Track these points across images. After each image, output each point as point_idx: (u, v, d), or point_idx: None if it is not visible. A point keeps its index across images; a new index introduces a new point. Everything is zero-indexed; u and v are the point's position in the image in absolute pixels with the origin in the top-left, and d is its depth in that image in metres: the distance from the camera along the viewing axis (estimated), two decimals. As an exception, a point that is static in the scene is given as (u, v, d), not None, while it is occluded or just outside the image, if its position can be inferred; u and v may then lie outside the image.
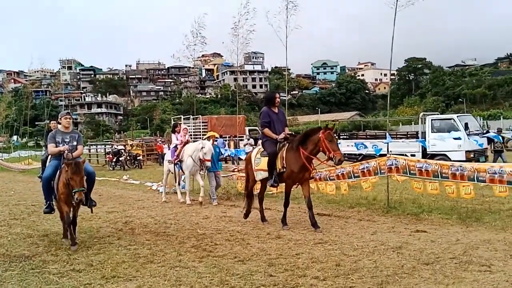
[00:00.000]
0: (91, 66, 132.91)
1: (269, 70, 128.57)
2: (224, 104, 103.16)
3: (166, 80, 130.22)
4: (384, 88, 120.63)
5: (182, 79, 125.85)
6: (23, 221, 9.50)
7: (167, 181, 12.71)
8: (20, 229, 8.56)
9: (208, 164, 11.11)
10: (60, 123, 7.62)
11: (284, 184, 8.33)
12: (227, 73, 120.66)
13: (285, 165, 7.88)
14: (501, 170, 7.65)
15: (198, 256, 6.21)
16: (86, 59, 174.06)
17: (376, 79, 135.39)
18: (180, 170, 11.98)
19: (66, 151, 7.08)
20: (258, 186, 9.24)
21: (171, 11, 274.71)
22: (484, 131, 18.91)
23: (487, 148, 16.88)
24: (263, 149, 8.44)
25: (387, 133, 12.28)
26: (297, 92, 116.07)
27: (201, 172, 11.80)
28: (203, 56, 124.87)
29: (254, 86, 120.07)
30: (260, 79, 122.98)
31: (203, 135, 24.84)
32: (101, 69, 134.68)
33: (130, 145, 31.35)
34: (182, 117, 30.87)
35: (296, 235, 7.31)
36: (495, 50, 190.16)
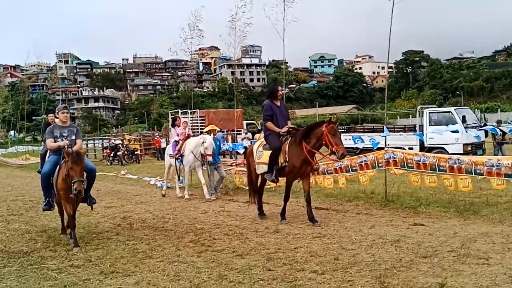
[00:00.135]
0: (88, 60, 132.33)
1: (267, 63, 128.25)
2: (222, 98, 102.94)
3: (163, 74, 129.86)
4: (382, 81, 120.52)
5: (179, 73, 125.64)
6: (21, 217, 9.49)
7: (169, 175, 12.62)
8: (18, 225, 8.55)
9: (210, 159, 11.09)
10: (57, 118, 7.51)
11: (284, 178, 8.26)
12: (224, 67, 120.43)
13: (287, 159, 7.79)
14: (499, 163, 7.68)
15: (196, 250, 6.22)
16: (82, 53, 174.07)
17: (373, 72, 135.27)
18: (182, 165, 11.88)
19: (65, 146, 6.95)
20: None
21: (167, 4, 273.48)
22: (482, 124, 18.93)
23: (484, 141, 16.91)
24: (265, 142, 8.32)
25: (384, 127, 12.28)
26: (294, 85, 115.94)
27: (203, 167, 11.69)
28: (200, 49, 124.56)
29: (251, 80, 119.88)
30: (258, 73, 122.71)
31: (200, 129, 24.85)
32: (98, 63, 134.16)
33: (128, 139, 31.30)
34: (180, 111, 30.81)
35: (294, 229, 7.32)
36: (493, 42, 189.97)
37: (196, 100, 78.21)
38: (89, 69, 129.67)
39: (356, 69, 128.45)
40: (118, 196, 12.44)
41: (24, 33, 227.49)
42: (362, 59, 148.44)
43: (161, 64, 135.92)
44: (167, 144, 29.78)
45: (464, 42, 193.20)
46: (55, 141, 7.11)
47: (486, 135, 17.04)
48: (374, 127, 22.68)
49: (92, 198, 7.27)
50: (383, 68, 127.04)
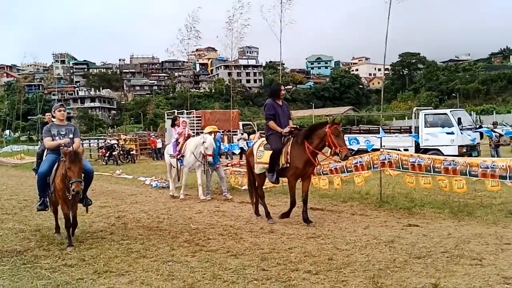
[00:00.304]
0: (85, 60, 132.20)
1: (264, 64, 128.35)
2: (218, 99, 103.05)
3: (160, 75, 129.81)
4: (378, 83, 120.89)
5: (176, 74, 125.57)
6: (15, 216, 9.45)
7: (172, 174, 12.24)
8: (12, 224, 8.51)
9: (210, 159, 11.03)
10: (54, 116, 7.43)
11: (284, 178, 8.15)
12: (221, 68, 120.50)
13: (288, 160, 7.68)
14: (493, 165, 7.69)
15: (191, 250, 6.20)
16: (79, 53, 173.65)
17: (370, 74, 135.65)
18: (182, 165, 11.64)
19: (65, 144, 6.82)
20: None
21: (165, 5, 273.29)
22: (477, 126, 18.99)
23: (479, 143, 16.96)
24: (266, 142, 8.20)
25: (380, 128, 12.30)
26: (291, 87, 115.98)
27: (202, 168, 11.51)
28: (197, 50, 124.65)
29: (248, 81, 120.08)
30: (255, 74, 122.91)
31: (197, 129, 24.81)
32: (95, 63, 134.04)
33: (124, 139, 31.27)
34: (176, 111, 30.76)
35: (289, 230, 7.32)
36: (489, 45, 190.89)
37: (192, 100, 78.05)
38: (86, 69, 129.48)
39: (352, 70, 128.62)
40: (112, 195, 12.40)
41: (20, 33, 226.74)
42: (359, 60, 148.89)
43: (158, 64, 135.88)
44: (162, 144, 29.99)
45: (461, 44, 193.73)
46: (53, 140, 7.01)
47: (482, 137, 17.09)
48: (370, 128, 22.72)
49: (88, 200, 7.14)
50: (379, 70, 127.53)
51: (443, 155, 14.20)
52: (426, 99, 79.44)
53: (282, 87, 8.40)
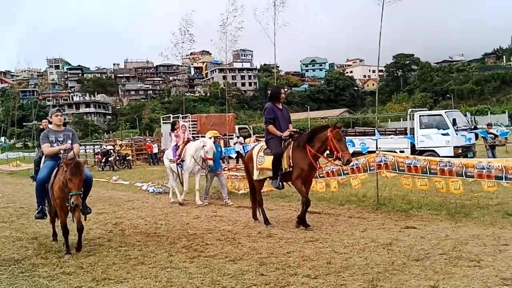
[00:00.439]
0: (79, 65, 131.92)
1: (258, 67, 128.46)
2: (214, 102, 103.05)
3: (155, 79, 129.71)
4: (373, 84, 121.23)
5: (171, 78, 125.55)
6: (12, 224, 9.40)
7: (173, 180, 12.03)
8: (9, 232, 8.46)
9: (211, 162, 10.88)
10: (51, 122, 7.31)
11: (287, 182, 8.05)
12: (216, 71, 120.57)
13: (291, 165, 7.59)
14: (489, 165, 7.74)
15: (189, 256, 6.19)
16: (73, 58, 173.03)
17: (364, 76, 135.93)
18: (182, 170, 11.46)
19: (66, 150, 6.71)
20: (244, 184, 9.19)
21: (158, 9, 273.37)
22: (472, 127, 19.06)
23: (475, 144, 17.02)
24: (265, 147, 8.10)
25: (375, 130, 12.33)
26: (286, 89, 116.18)
27: (202, 173, 11.43)
28: (191, 54, 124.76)
29: (243, 84, 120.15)
30: (249, 77, 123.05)
31: (193, 134, 24.78)
32: (89, 68, 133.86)
33: (119, 145, 31.19)
34: (172, 115, 30.76)
35: (287, 234, 7.32)
36: (482, 45, 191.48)
37: (187, 104, 78.12)
38: (80, 75, 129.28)
39: (347, 72, 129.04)
40: (109, 202, 12.36)
41: (14, 39, 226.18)
42: (353, 62, 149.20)
43: (153, 68, 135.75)
44: (158, 149, 29.96)
45: (454, 45, 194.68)
46: (51, 146, 6.92)
47: (477, 138, 17.16)
48: (366, 130, 22.77)
49: (87, 208, 6.94)
50: (373, 71, 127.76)
51: (439, 156, 14.26)
52: (421, 100, 79.73)
53: (283, 91, 8.32)
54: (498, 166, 7.63)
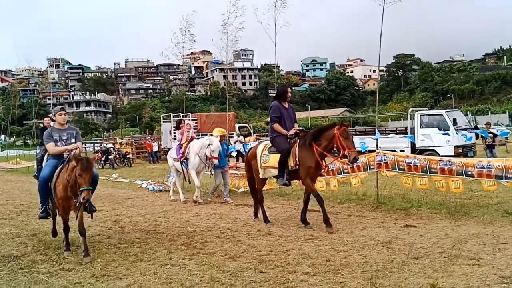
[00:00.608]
0: (79, 65, 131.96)
1: (259, 67, 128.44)
2: (214, 102, 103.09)
3: (155, 78, 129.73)
4: (373, 84, 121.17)
5: (171, 77, 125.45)
6: (11, 221, 9.41)
7: (178, 177, 11.93)
8: (8, 229, 8.47)
9: (216, 161, 10.80)
10: (54, 120, 7.23)
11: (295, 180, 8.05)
12: (216, 71, 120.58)
13: (297, 163, 7.54)
14: (489, 165, 7.73)
15: (188, 253, 6.20)
16: (74, 58, 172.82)
17: (365, 76, 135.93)
18: (187, 168, 11.38)
19: (74, 151, 6.59)
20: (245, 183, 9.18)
21: (159, 8, 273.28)
22: (472, 126, 19.07)
23: (475, 143, 17.03)
24: (270, 145, 8.06)
25: (376, 129, 12.34)
26: (293, 88, 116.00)
27: (206, 171, 11.36)
28: (192, 53, 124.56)
29: (244, 83, 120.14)
30: (250, 77, 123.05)
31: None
32: (89, 67, 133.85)
33: (120, 143, 31.21)
34: (172, 114, 30.75)
35: (286, 232, 7.32)
36: (483, 46, 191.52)
37: (188, 103, 78.02)
38: (81, 74, 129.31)
39: (347, 72, 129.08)
40: (109, 199, 12.36)
41: (14, 38, 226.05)
42: (354, 62, 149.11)
43: (153, 68, 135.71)
44: (158, 148, 29.98)
45: (455, 45, 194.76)
46: (55, 145, 6.85)
47: (477, 138, 17.16)
48: (366, 129, 22.78)
49: (93, 206, 6.84)
50: (374, 71, 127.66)
51: (439, 155, 14.26)
52: (421, 100, 79.73)
53: (289, 89, 8.29)
54: (498, 166, 7.62)
